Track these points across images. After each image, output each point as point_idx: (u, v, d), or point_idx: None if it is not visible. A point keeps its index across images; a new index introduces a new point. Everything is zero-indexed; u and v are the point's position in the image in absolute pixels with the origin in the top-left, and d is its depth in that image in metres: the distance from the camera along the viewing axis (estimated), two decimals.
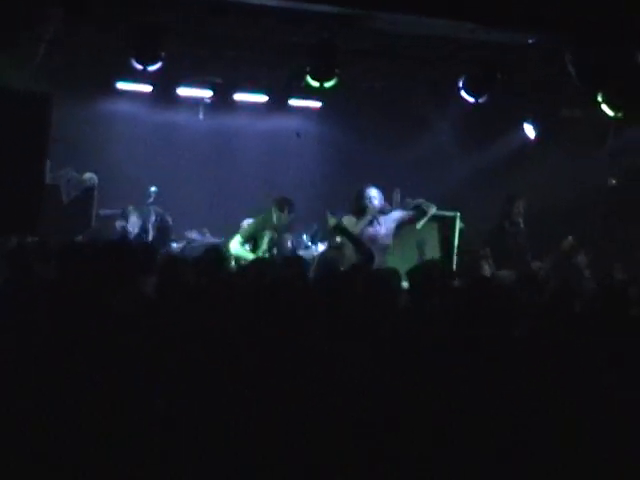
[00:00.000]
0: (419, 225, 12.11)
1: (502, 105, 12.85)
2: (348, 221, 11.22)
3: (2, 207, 9.68)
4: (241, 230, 11.33)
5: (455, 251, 12.55)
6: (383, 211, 11.25)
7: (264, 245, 10.99)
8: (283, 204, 11.17)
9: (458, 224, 12.85)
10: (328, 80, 10.84)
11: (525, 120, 13.80)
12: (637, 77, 9.66)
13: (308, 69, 10.83)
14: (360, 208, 11.18)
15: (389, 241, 11.34)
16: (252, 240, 11.04)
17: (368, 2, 8.70)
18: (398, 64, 12.00)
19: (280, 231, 11.29)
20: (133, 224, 11.69)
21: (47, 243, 8.57)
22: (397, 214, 11.39)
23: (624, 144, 13.38)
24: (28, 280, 6.99)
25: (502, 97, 12.29)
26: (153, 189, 11.67)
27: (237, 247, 10.96)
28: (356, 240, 10.15)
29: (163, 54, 10.58)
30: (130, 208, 11.85)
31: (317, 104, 14.14)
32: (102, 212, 12.31)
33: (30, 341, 5.29)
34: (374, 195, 11.23)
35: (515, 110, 13.72)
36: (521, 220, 12.36)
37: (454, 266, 11.66)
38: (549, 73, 11.68)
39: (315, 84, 10.91)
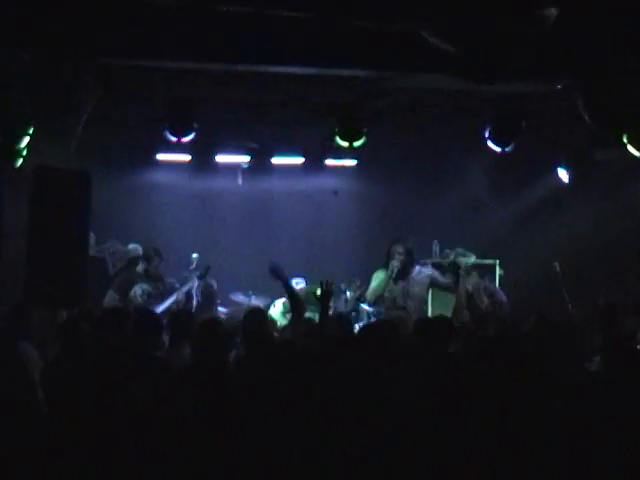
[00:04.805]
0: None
1: (534, 151, 12.99)
2: (376, 275, 11.55)
3: (49, 283, 9.93)
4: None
5: None
6: (406, 266, 11.56)
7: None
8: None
9: (498, 271, 13.01)
10: (356, 139, 11.11)
11: (559, 165, 13.89)
12: None
13: (336, 130, 11.12)
14: (387, 264, 11.54)
15: (423, 293, 11.64)
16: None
17: (387, 65, 8.95)
18: (426, 118, 12.18)
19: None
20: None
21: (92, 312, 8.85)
22: (428, 272, 11.72)
23: None
24: (80, 353, 7.14)
25: (534, 143, 12.44)
26: (195, 255, 11.89)
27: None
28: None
29: (195, 125, 10.90)
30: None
31: (352, 162, 14.37)
32: None
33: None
34: (399, 251, 11.52)
35: (548, 155, 13.80)
36: None
37: None
38: (579, 117, 11.76)
39: (344, 144, 11.18)
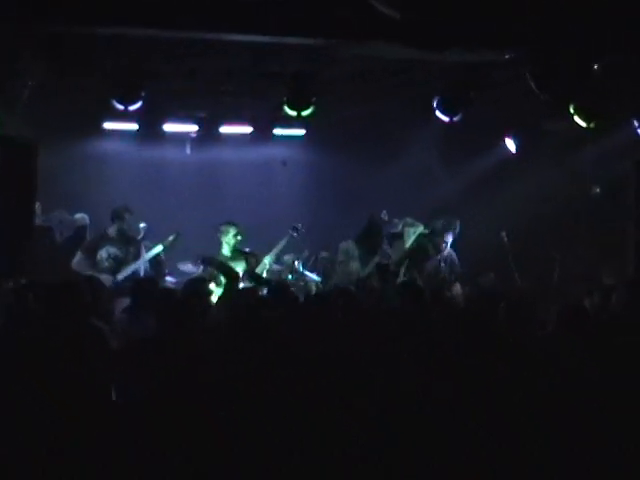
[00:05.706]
0: (408, 244, 12.40)
1: (484, 121, 13.00)
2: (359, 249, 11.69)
3: None
4: None
5: None
6: None
7: None
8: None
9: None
10: (305, 109, 11.05)
11: (507, 134, 13.92)
12: (599, 87, 9.78)
13: (285, 99, 11.06)
14: (377, 244, 11.65)
15: None
16: None
17: (335, 33, 8.89)
18: (375, 88, 12.14)
19: None
20: None
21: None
22: None
23: (604, 152, 13.49)
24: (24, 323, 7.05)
25: (483, 113, 12.44)
26: (142, 225, 11.77)
27: None
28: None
29: (143, 94, 10.79)
30: None
31: (301, 132, 14.31)
32: None
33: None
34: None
35: (497, 125, 13.82)
36: None
37: None
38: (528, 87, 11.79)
39: (292, 113, 11.13)
